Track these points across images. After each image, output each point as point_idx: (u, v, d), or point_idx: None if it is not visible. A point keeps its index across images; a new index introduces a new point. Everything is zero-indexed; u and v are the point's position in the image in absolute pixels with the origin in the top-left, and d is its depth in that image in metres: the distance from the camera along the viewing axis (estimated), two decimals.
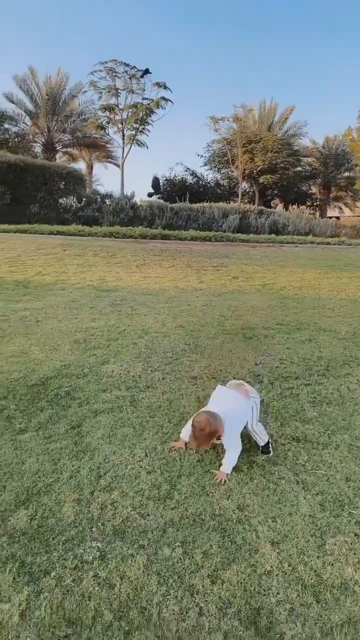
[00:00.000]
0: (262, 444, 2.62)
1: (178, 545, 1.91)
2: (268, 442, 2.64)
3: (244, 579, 1.77)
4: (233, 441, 2.44)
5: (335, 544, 1.98)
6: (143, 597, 1.67)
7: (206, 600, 1.68)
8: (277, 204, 25.49)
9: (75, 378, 3.52)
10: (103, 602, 1.64)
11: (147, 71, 17.24)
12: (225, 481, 2.37)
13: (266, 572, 1.82)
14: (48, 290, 6.54)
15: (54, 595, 1.66)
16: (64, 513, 2.06)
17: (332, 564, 1.87)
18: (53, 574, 1.75)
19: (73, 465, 2.41)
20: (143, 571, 1.78)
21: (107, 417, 2.92)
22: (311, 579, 1.80)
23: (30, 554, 1.83)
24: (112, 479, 2.32)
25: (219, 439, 2.47)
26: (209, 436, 2.34)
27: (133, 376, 3.62)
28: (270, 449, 2.65)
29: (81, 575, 1.75)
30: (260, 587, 1.75)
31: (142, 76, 16.02)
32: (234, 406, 2.48)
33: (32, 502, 2.13)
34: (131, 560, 1.83)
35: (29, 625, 1.54)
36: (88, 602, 1.64)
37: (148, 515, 2.09)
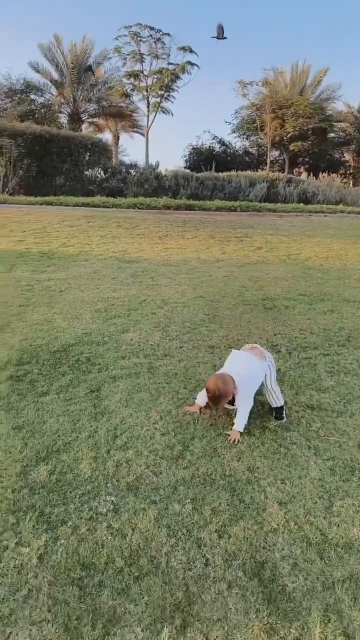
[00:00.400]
0: (276, 405, 2.66)
1: (188, 502, 2.00)
2: (282, 407, 2.68)
3: (250, 535, 1.84)
4: (245, 400, 2.50)
5: (343, 507, 2.02)
6: (153, 547, 1.77)
7: (212, 553, 1.76)
8: (300, 173, 24.53)
9: (96, 345, 3.62)
10: (115, 550, 1.75)
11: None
12: (238, 441, 2.44)
13: (272, 529, 1.88)
14: (72, 261, 6.64)
15: (70, 542, 1.78)
16: (81, 469, 2.18)
17: (339, 525, 1.92)
18: (69, 523, 1.87)
19: (91, 426, 2.53)
20: (154, 524, 1.88)
21: (125, 383, 3.02)
22: (316, 538, 1.85)
23: (49, 505, 1.96)
24: (127, 439, 2.42)
25: (233, 402, 2.53)
26: (219, 399, 2.42)
27: (151, 345, 3.69)
28: (284, 414, 2.68)
29: (95, 525, 1.86)
30: (266, 542, 1.82)
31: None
32: (248, 366, 2.54)
33: (52, 458, 2.25)
34: (143, 513, 1.93)
35: (46, 568, 1.67)
36: (101, 549, 1.75)
37: (161, 473, 2.18)
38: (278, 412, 2.68)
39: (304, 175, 22.15)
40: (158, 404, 2.77)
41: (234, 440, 2.44)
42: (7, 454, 2.27)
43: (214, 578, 1.66)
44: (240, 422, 2.50)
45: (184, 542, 1.80)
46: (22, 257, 6.61)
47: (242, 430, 2.49)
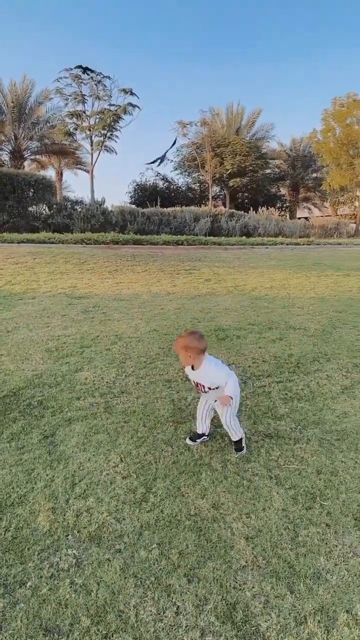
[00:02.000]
0: (236, 438, 2.67)
1: (154, 547, 1.93)
2: (241, 439, 2.69)
3: (220, 575, 1.80)
4: (222, 370, 2.58)
5: (308, 536, 2.04)
6: (120, 600, 1.68)
7: (183, 599, 1.70)
8: (217, 206, 25.76)
9: (48, 387, 3.49)
10: (80, 609, 1.64)
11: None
12: (228, 404, 2.49)
13: (241, 567, 1.86)
14: (18, 299, 6.45)
15: (30, 605, 1.65)
16: (39, 523, 2.05)
17: (305, 555, 1.93)
18: (29, 584, 1.73)
19: (47, 475, 2.40)
20: (120, 575, 1.79)
21: (81, 425, 2.92)
22: (285, 571, 1.84)
23: (4, 565, 1.81)
24: (87, 486, 2.32)
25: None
26: (177, 343, 2.56)
27: (107, 382, 3.62)
28: (244, 445, 2.70)
29: (57, 583, 1.74)
30: (236, 582, 1.78)
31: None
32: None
33: (6, 513, 2.10)
34: (107, 565, 1.83)
35: (5, 637, 1.53)
36: (65, 610, 1.63)
37: (124, 519, 2.09)
38: (237, 443, 2.69)
39: (221, 208, 23.26)
40: (117, 445, 2.70)
41: (226, 403, 2.48)
42: None
43: (186, 627, 1.60)
44: (232, 387, 2.50)
45: (152, 592, 1.73)
46: None
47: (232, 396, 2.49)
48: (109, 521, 2.08)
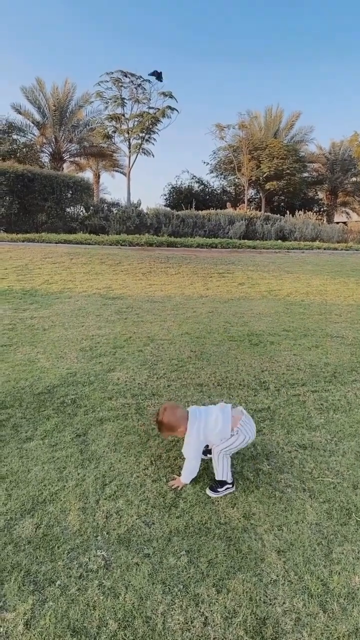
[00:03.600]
0: (218, 478, 2.32)
1: (183, 554, 1.91)
2: (224, 482, 2.32)
3: (250, 588, 1.76)
4: (189, 449, 2.31)
5: (342, 553, 1.95)
6: (148, 606, 1.67)
7: (211, 610, 1.66)
8: (230, 207, 25.30)
9: (81, 386, 3.54)
10: (108, 612, 1.63)
11: (158, 75, 17.07)
12: (180, 487, 2.31)
13: (272, 581, 1.80)
14: (55, 298, 6.59)
15: (59, 604, 1.66)
16: (69, 521, 2.07)
17: (339, 573, 1.85)
18: (58, 582, 1.75)
19: (78, 474, 2.42)
20: (148, 580, 1.77)
21: (113, 425, 2.93)
22: (318, 589, 1.78)
23: (35, 562, 1.83)
24: (117, 487, 2.32)
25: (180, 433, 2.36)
26: (160, 425, 2.37)
27: (139, 383, 3.62)
28: (221, 490, 2.30)
29: (86, 584, 1.75)
30: (266, 596, 1.73)
31: (155, 77, 15.62)
32: (213, 419, 2.31)
33: (38, 510, 2.13)
34: (136, 569, 1.82)
35: (34, 635, 1.54)
36: (93, 612, 1.63)
37: (153, 523, 2.08)
38: (215, 483, 2.33)
39: (230, 209, 22.80)
40: (148, 447, 2.69)
41: (173, 486, 2.31)
42: None
43: (214, 639, 1.56)
44: (184, 473, 2.32)
45: (180, 600, 1.70)
46: (3, 295, 6.53)
47: (186, 482, 2.32)
48: (138, 524, 2.07)
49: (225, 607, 1.68)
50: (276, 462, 2.61)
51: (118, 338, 4.78)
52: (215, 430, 2.29)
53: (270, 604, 1.70)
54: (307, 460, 2.64)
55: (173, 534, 2.02)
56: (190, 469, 2.34)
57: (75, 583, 1.75)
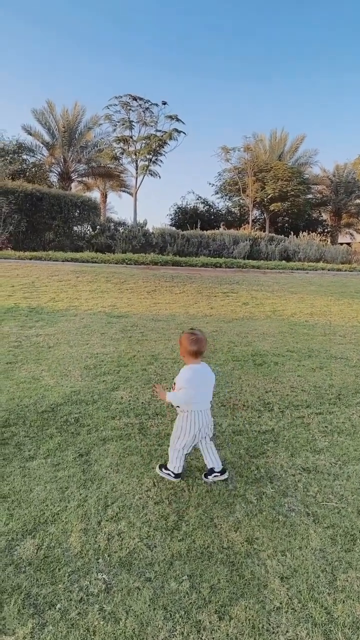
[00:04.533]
0: (211, 466, 2.57)
1: (185, 579, 1.88)
2: (168, 468, 2.58)
3: (252, 615, 1.73)
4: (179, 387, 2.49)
5: (347, 580, 1.92)
6: (149, 632, 1.64)
7: (213, 637, 1.63)
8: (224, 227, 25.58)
9: (85, 405, 3.54)
10: (108, 637, 1.61)
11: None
12: (158, 395, 2.55)
13: (275, 608, 1.77)
14: (61, 316, 6.64)
15: (59, 629, 1.64)
16: (71, 543, 2.05)
17: (344, 602, 1.82)
18: (58, 606, 1.73)
19: (81, 494, 2.41)
20: (149, 605, 1.75)
21: (116, 445, 2.92)
22: (322, 617, 1.74)
23: (35, 585, 1.82)
24: (119, 508, 2.31)
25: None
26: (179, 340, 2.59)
27: (142, 403, 3.62)
28: (163, 473, 2.59)
29: (86, 608, 1.72)
30: (269, 624, 1.70)
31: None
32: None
33: (39, 531, 2.12)
34: (137, 593, 1.80)
35: None
36: (93, 637, 1.61)
37: (155, 546, 2.06)
38: (165, 465, 2.62)
39: (222, 229, 23.12)
40: (150, 468, 2.68)
41: (155, 393, 2.60)
42: None
43: None
44: (170, 395, 2.49)
45: (182, 626, 1.67)
46: (10, 312, 6.59)
47: (166, 400, 2.50)
48: (140, 547, 2.05)
49: (228, 634, 1.65)
50: (280, 486, 2.58)
51: (122, 356, 4.80)
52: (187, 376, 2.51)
53: (274, 632, 1.67)
54: (311, 484, 2.62)
55: (175, 557, 2.00)
56: (177, 396, 2.47)
57: (76, 607, 1.73)
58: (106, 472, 2.63)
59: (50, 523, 2.18)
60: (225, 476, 2.59)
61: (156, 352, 5.05)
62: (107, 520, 2.21)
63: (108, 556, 1.99)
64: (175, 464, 2.56)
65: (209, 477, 2.58)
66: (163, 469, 2.60)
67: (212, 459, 2.59)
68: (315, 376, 4.44)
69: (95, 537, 2.10)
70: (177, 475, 2.56)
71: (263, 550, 2.07)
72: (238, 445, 3.00)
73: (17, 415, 3.29)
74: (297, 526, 2.25)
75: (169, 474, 2.57)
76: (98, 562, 1.95)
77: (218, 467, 2.59)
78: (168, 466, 2.58)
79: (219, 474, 2.58)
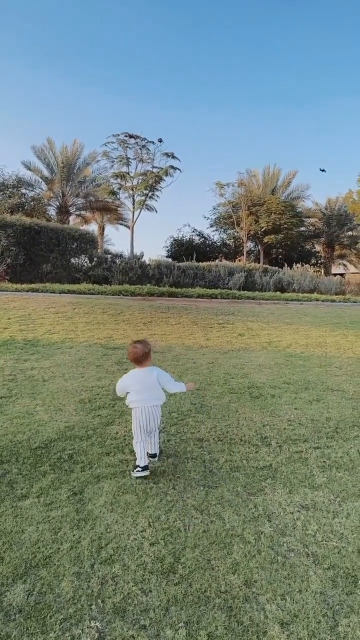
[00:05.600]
0: (154, 451, 3.20)
1: (181, 626, 1.81)
2: (137, 464, 3.00)
3: None
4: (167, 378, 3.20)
5: (349, 625, 1.85)
6: None
7: None
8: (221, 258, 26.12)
9: (79, 440, 3.49)
10: None
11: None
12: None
13: None
14: (56, 348, 6.63)
15: None
16: (63, 588, 1.98)
17: None
18: None
19: (74, 535, 2.34)
20: None
21: (110, 483, 2.86)
22: None
23: (26, 634, 1.74)
24: (113, 550, 2.24)
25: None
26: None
27: None
28: (134, 468, 3.02)
29: None
30: None
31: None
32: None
33: (30, 575, 2.05)
34: None
35: None
36: None
37: (150, 591, 1.99)
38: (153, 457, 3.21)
39: (222, 260, 23.67)
40: (145, 507, 2.61)
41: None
42: None
43: None
44: (179, 385, 3.23)
45: None
46: (5, 345, 6.57)
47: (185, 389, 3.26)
48: (134, 592, 1.98)
49: None
50: (278, 524, 2.52)
51: None
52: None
53: None
54: (310, 522, 2.56)
55: (171, 603, 1.93)
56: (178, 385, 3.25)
57: None
58: (100, 511, 2.56)
59: (42, 566, 2.11)
60: (155, 459, 3.22)
61: None
62: (100, 563, 2.14)
63: (101, 602, 1.91)
64: (141, 457, 2.99)
65: (150, 459, 3.17)
66: (135, 471, 2.98)
67: (152, 445, 3.20)
68: (313, 409, 4.41)
69: (89, 582, 2.02)
70: (144, 468, 2.96)
71: (262, 594, 2.00)
72: (236, 482, 2.94)
73: (10, 452, 3.23)
74: (296, 567, 2.19)
75: (138, 470, 2.96)
76: (91, 609, 1.87)
77: (154, 450, 3.21)
78: (138, 464, 2.99)
79: (152, 457, 3.19)
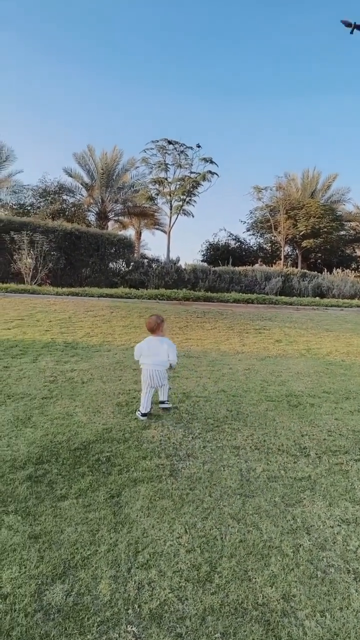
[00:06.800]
0: (161, 399, 4.37)
1: (218, 637, 1.79)
2: (162, 401, 4.37)
3: None
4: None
5: None
6: None
7: None
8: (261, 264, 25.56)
9: (117, 443, 3.53)
10: None
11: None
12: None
13: None
14: (95, 351, 6.76)
15: None
16: (100, 590, 2.00)
17: None
18: None
19: (111, 538, 2.37)
20: None
21: (147, 487, 2.88)
22: None
23: (64, 634, 1.77)
24: (150, 555, 2.25)
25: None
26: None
27: (173, 443, 3.58)
28: (161, 405, 4.37)
29: None
30: None
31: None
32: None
33: (69, 575, 2.09)
34: None
35: None
36: None
37: (186, 599, 1.98)
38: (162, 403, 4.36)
39: (257, 265, 23.15)
40: (182, 514, 2.61)
41: None
42: (22, 569, 2.11)
43: None
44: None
45: None
46: (47, 347, 6.77)
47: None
48: (171, 599, 1.97)
49: None
50: (317, 538, 2.45)
51: (154, 393, 4.79)
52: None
53: None
54: (351, 537, 2.47)
55: (207, 612, 1.91)
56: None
57: None
58: (137, 515, 2.58)
59: (80, 568, 2.14)
60: (167, 405, 4.39)
61: (188, 389, 5.03)
62: (137, 568, 2.16)
63: (138, 607, 1.92)
64: (143, 405, 4.13)
65: (160, 405, 4.37)
66: (137, 412, 4.17)
67: (163, 394, 4.36)
68: (354, 420, 4.26)
69: (125, 586, 2.04)
70: (143, 415, 4.10)
71: (301, 609, 1.95)
72: (273, 492, 2.89)
73: (51, 452, 3.32)
74: (337, 584, 2.12)
75: (139, 414, 4.12)
76: (128, 613, 1.89)
77: (163, 398, 4.36)
78: (139, 409, 4.16)
79: (164, 402, 4.36)
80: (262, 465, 3.25)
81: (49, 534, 2.38)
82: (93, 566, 2.15)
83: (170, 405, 4.39)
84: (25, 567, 2.12)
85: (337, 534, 2.51)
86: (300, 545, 2.38)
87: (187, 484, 2.95)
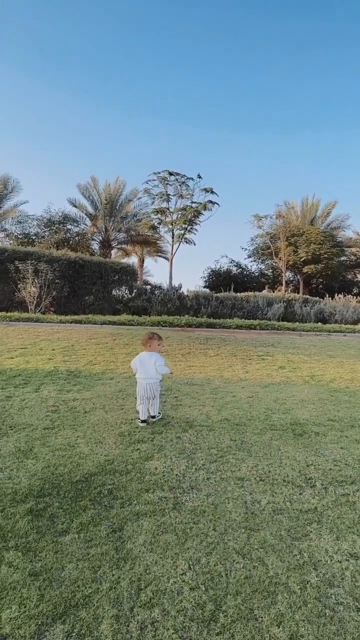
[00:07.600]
0: (154, 413, 4.83)
1: None
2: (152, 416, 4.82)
3: None
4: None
5: None
6: None
7: None
8: (269, 290, 25.82)
9: (119, 475, 3.49)
10: None
11: None
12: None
13: None
14: (97, 379, 6.75)
15: None
16: (102, 631, 1.94)
17: None
18: None
19: (113, 575, 2.31)
20: None
21: (149, 521, 2.82)
22: None
23: None
24: (153, 593, 2.18)
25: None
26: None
27: (176, 474, 3.53)
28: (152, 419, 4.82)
29: None
30: None
31: None
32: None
33: (70, 615, 2.03)
34: None
35: None
36: None
37: None
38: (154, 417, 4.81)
39: (265, 291, 23.37)
40: (185, 549, 2.55)
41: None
42: (21, 608, 2.06)
43: None
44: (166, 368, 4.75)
45: None
46: (49, 376, 6.77)
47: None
48: None
49: None
50: (325, 574, 2.38)
51: (157, 422, 4.76)
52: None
53: None
54: None
55: None
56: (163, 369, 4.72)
57: None
58: (140, 550, 2.52)
59: (81, 607, 2.08)
60: (158, 417, 4.88)
61: (191, 418, 4.99)
62: (140, 607, 2.09)
63: None
64: (142, 413, 4.67)
65: (151, 419, 4.80)
66: (137, 420, 4.73)
67: (153, 409, 4.80)
68: None
69: (128, 626, 1.98)
70: (142, 421, 4.65)
71: None
72: (279, 525, 2.82)
73: (52, 485, 3.28)
74: (346, 623, 2.05)
75: (139, 422, 4.67)
76: None
77: (154, 412, 4.81)
78: (139, 417, 4.69)
79: (155, 417, 4.82)
80: (267, 497, 3.19)
81: (50, 570, 2.32)
82: (94, 605, 2.09)
83: (160, 416, 4.92)
84: (25, 607, 2.06)
85: (345, 569, 2.44)
86: (307, 582, 2.31)
87: (191, 517, 2.89)
